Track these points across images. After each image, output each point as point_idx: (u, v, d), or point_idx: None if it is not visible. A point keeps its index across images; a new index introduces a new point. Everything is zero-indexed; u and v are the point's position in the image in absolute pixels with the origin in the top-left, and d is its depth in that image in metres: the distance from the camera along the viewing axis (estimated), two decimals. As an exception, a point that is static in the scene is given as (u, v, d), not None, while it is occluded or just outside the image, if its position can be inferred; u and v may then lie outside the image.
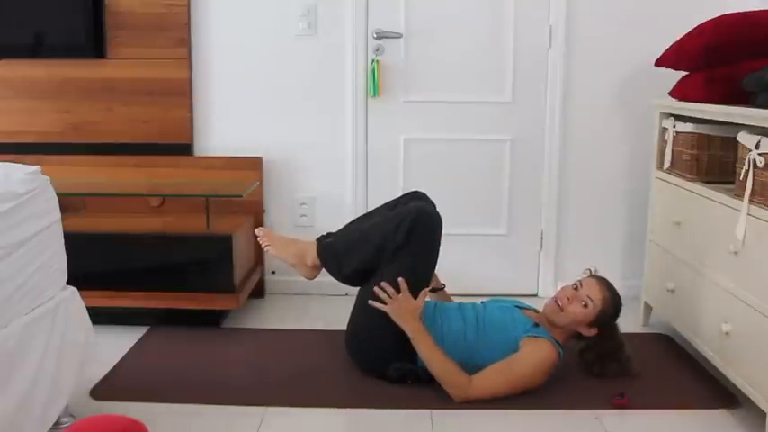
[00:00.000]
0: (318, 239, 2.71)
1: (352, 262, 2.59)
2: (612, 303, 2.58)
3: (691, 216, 2.70)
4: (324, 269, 2.69)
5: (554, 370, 2.50)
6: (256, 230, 2.81)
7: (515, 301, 2.73)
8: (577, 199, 3.54)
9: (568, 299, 2.54)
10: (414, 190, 2.83)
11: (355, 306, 2.64)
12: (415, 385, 2.50)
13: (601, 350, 2.62)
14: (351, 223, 2.84)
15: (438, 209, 2.67)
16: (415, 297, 2.48)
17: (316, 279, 3.51)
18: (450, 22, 3.43)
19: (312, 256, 2.67)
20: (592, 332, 2.55)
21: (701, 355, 2.71)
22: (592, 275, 2.63)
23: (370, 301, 2.49)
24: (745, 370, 2.28)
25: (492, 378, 2.41)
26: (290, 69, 3.48)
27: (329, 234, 2.75)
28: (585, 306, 2.52)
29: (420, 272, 2.54)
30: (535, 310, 2.68)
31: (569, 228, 3.55)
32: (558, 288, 2.70)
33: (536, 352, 2.45)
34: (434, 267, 2.63)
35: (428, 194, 2.74)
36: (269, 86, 3.47)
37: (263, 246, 2.77)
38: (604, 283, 2.59)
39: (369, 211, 2.97)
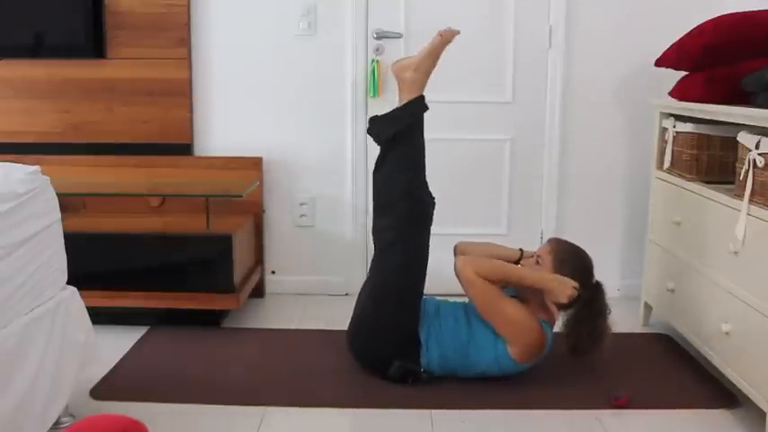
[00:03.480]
0: (417, 99, 2.63)
1: (404, 139, 2.60)
2: (566, 251, 2.60)
3: (691, 216, 2.70)
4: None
5: (540, 351, 2.49)
6: (453, 30, 2.71)
7: (509, 290, 2.71)
8: (577, 199, 3.54)
9: (523, 266, 2.64)
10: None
11: (359, 302, 2.64)
12: (415, 385, 2.50)
13: (582, 315, 2.53)
14: (421, 148, 2.74)
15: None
16: (410, 294, 2.54)
17: (316, 279, 3.52)
18: (450, 22, 3.41)
19: (408, 85, 2.63)
20: None
21: (701, 355, 2.71)
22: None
23: None
24: (745, 370, 2.28)
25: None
26: (290, 69, 3.47)
27: (422, 112, 2.67)
28: (537, 263, 2.60)
29: (412, 265, 2.58)
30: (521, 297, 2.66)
31: (569, 228, 3.54)
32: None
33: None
34: (426, 260, 2.62)
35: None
36: (269, 86, 3.47)
37: (439, 33, 2.68)
38: (553, 239, 2.69)
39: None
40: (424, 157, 2.66)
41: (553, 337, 2.54)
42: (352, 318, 2.65)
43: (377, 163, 2.66)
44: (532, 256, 2.66)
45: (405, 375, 2.51)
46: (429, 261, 2.62)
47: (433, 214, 2.65)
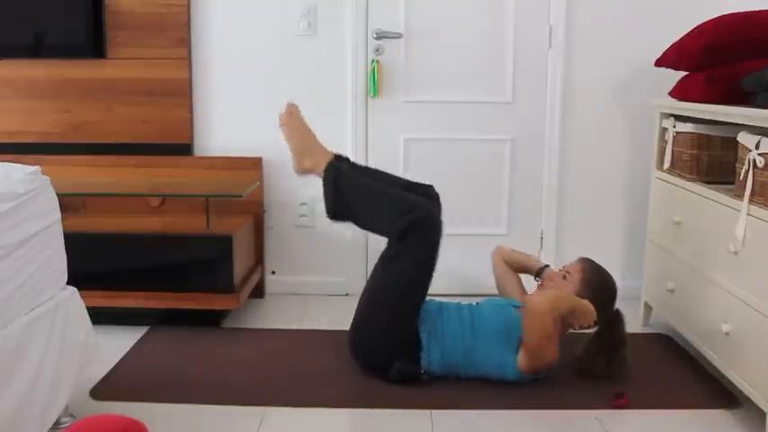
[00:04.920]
0: (330, 163, 2.61)
1: (346, 207, 2.56)
2: (596, 273, 2.61)
3: (691, 216, 2.70)
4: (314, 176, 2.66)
5: (548, 369, 2.50)
6: (288, 103, 2.70)
7: (511, 300, 2.73)
8: (577, 199, 3.54)
9: (549, 277, 2.66)
10: (430, 184, 2.77)
11: (360, 305, 2.64)
12: (415, 385, 2.50)
13: (601, 345, 2.58)
14: (365, 170, 2.76)
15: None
16: (410, 305, 2.51)
17: (316, 279, 3.51)
18: (450, 22, 3.43)
19: (314, 165, 2.63)
20: None
21: (701, 355, 2.71)
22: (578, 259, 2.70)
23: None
24: (745, 370, 2.28)
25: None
26: (290, 69, 3.48)
27: (340, 160, 2.66)
28: (564, 278, 2.61)
29: (417, 277, 2.53)
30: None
31: (569, 228, 3.55)
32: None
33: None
34: (432, 273, 2.57)
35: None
36: (269, 87, 3.47)
37: (280, 123, 2.68)
38: (586, 259, 2.67)
39: (377, 168, 2.84)
40: (382, 185, 2.61)
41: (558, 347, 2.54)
42: (353, 322, 2.65)
43: (363, 229, 2.66)
44: (559, 271, 2.67)
45: (405, 377, 2.51)
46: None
47: (438, 215, 2.59)
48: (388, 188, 2.62)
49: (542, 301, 2.42)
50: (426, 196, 2.68)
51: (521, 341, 2.47)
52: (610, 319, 2.58)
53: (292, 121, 2.68)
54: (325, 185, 2.60)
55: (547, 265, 2.80)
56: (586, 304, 2.49)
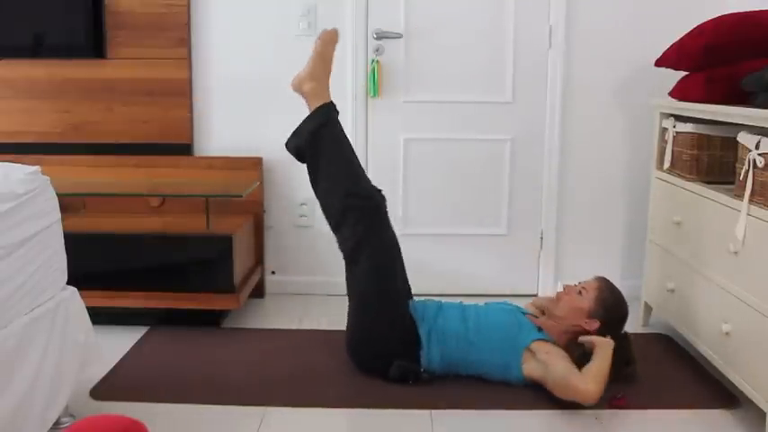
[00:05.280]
0: (326, 104, 2.62)
1: (313, 154, 2.58)
2: (611, 293, 2.61)
3: (691, 216, 2.70)
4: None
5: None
6: (334, 30, 2.67)
7: (519, 306, 2.74)
8: (577, 199, 3.54)
9: (566, 291, 2.64)
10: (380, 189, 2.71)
11: (350, 309, 2.64)
12: (415, 385, 2.50)
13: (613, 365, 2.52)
14: (340, 133, 2.69)
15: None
16: (391, 294, 2.54)
17: (316, 279, 3.51)
18: (450, 22, 3.43)
19: (311, 94, 2.63)
20: (594, 325, 2.54)
21: (701, 355, 2.71)
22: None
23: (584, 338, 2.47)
24: (745, 370, 2.28)
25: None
26: (290, 69, 3.44)
27: (330, 109, 2.64)
28: (580, 293, 2.60)
29: (383, 267, 2.56)
30: (535, 316, 2.69)
31: (569, 228, 3.55)
32: (560, 287, 2.72)
33: (553, 349, 2.48)
34: (396, 257, 2.60)
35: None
36: (269, 86, 3.47)
37: (318, 36, 2.66)
38: (602, 278, 2.66)
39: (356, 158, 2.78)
40: (351, 155, 2.63)
41: None
42: (347, 330, 2.65)
43: (311, 182, 2.64)
44: (575, 286, 2.66)
45: (405, 374, 2.51)
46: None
47: (385, 208, 2.61)
48: (355, 163, 2.62)
49: (592, 396, 2.35)
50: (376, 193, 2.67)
51: (529, 348, 2.48)
52: (618, 342, 2.57)
53: (326, 48, 2.66)
54: (307, 120, 2.61)
55: (565, 286, 2.76)
56: (608, 342, 2.48)
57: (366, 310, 2.57)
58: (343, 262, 2.62)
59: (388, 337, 2.53)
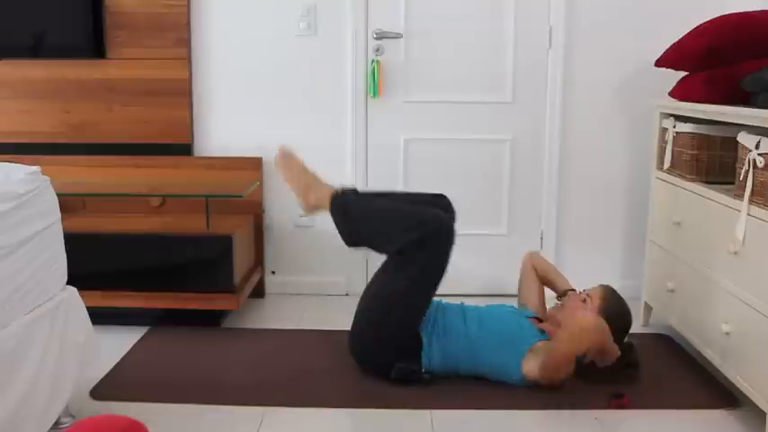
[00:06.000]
0: (334, 195, 2.61)
1: (360, 234, 2.55)
2: (615, 301, 2.62)
3: (691, 216, 2.70)
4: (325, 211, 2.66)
5: (557, 383, 2.49)
6: (280, 147, 2.72)
7: (524, 310, 2.74)
8: (577, 199, 3.54)
9: (570, 299, 2.66)
10: (440, 193, 2.76)
11: (363, 307, 2.61)
12: (416, 385, 2.50)
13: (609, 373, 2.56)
14: (372, 194, 2.76)
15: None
16: (416, 310, 2.51)
17: (315, 279, 3.51)
18: (451, 22, 3.43)
19: (320, 199, 2.63)
20: None
21: (701, 355, 2.71)
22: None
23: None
24: (745, 370, 2.28)
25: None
26: (289, 69, 3.48)
27: (343, 191, 2.66)
28: (584, 301, 2.62)
29: (426, 283, 2.52)
30: (538, 320, 2.70)
31: (569, 228, 3.55)
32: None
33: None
34: (439, 282, 2.54)
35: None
36: (269, 86, 3.47)
37: (277, 166, 2.71)
38: (607, 287, 2.69)
39: (385, 190, 2.86)
40: (392, 201, 2.60)
41: None
42: (355, 323, 2.63)
43: (376, 249, 2.59)
44: (580, 294, 2.68)
45: (406, 376, 2.51)
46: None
47: (451, 222, 2.54)
48: (396, 206, 2.58)
49: (593, 319, 2.44)
50: (437, 206, 2.66)
51: (531, 349, 2.48)
52: (622, 352, 2.57)
53: (288, 162, 2.70)
54: (334, 217, 2.60)
55: (573, 290, 2.79)
56: (616, 350, 2.51)
57: (386, 311, 2.52)
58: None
59: (395, 337, 2.52)
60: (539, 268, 2.90)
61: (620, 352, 2.53)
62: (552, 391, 2.47)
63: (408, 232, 2.45)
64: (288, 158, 2.71)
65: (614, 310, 2.61)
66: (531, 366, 2.47)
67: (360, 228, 2.57)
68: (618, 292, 2.70)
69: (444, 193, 2.75)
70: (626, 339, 2.64)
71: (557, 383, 2.47)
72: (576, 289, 2.79)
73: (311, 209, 2.68)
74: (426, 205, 2.63)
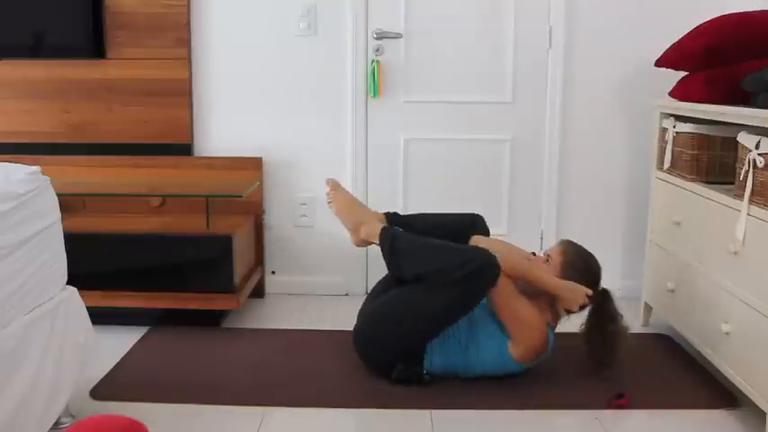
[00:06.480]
0: (384, 228, 2.62)
1: (407, 269, 2.54)
2: (577, 255, 2.61)
3: (691, 216, 2.70)
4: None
5: (541, 353, 2.50)
6: (328, 179, 2.77)
7: None
8: (577, 199, 3.54)
9: (534, 261, 2.63)
10: (476, 213, 2.77)
11: (379, 306, 2.59)
12: (416, 385, 2.50)
13: (594, 324, 2.58)
14: (416, 220, 2.77)
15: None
16: (437, 328, 2.51)
17: (316, 279, 3.52)
18: (451, 22, 3.43)
19: (370, 234, 2.64)
20: None
21: (701, 355, 2.71)
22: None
23: None
24: (745, 370, 2.28)
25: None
26: (289, 69, 3.48)
27: (395, 217, 2.72)
28: (546, 261, 2.61)
29: (452, 311, 2.50)
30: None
31: (569, 228, 3.54)
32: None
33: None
34: (468, 312, 2.53)
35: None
36: (269, 86, 3.47)
37: (328, 200, 2.74)
38: (566, 241, 2.68)
39: (431, 212, 2.88)
40: (435, 240, 2.57)
41: (554, 339, 2.54)
42: (364, 320, 2.62)
43: (417, 279, 2.54)
44: (541, 256, 2.67)
45: (408, 378, 2.51)
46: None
47: (493, 258, 2.47)
48: (442, 243, 2.55)
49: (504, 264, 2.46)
50: (475, 225, 2.71)
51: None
52: (598, 300, 2.58)
53: (338, 195, 2.73)
54: (383, 252, 2.60)
55: (534, 253, 2.75)
56: (571, 286, 2.51)
57: (407, 320, 2.49)
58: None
59: (407, 344, 2.52)
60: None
61: (588, 290, 2.51)
62: (552, 390, 2.47)
63: (454, 272, 2.42)
64: (338, 192, 2.74)
65: (579, 263, 2.60)
66: (512, 347, 2.48)
67: (407, 264, 2.55)
68: (579, 243, 2.67)
69: (479, 214, 2.78)
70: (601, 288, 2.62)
71: (539, 345, 2.47)
72: (537, 252, 2.78)
73: (361, 243, 2.71)
74: (464, 227, 2.69)
